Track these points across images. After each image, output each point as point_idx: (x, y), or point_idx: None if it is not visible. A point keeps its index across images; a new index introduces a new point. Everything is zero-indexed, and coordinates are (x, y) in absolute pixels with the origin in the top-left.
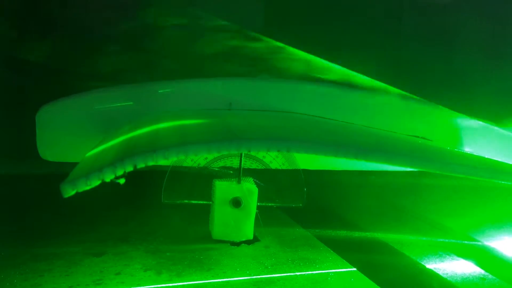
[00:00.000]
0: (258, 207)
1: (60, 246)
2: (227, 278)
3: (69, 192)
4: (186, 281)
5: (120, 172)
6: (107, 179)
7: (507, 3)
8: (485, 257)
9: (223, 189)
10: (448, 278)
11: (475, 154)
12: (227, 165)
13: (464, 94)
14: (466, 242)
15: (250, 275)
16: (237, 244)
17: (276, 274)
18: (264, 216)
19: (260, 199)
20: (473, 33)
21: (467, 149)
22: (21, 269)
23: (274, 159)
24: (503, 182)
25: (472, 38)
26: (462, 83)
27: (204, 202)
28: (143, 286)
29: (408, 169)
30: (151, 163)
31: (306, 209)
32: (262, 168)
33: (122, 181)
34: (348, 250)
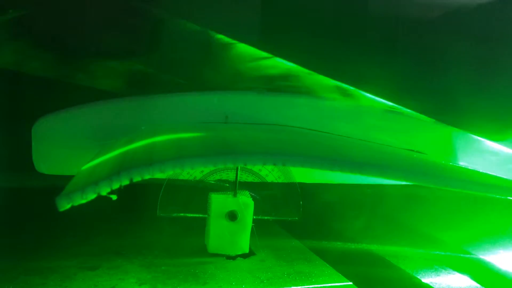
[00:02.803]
0: (254, 221)
1: (54, 260)
2: None
3: (64, 205)
4: None
5: (116, 186)
6: (103, 193)
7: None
8: (480, 271)
9: (219, 202)
10: None
11: (469, 168)
12: (223, 178)
13: (459, 109)
14: (461, 255)
15: None
16: (233, 257)
17: None
18: (260, 230)
19: (256, 212)
20: (469, 48)
21: (462, 163)
22: (14, 283)
23: (270, 173)
24: (497, 196)
25: (467, 53)
26: (456, 97)
27: (200, 215)
28: None
29: (403, 183)
30: (147, 177)
31: (302, 223)
32: (258, 181)
33: (114, 197)
34: (344, 264)
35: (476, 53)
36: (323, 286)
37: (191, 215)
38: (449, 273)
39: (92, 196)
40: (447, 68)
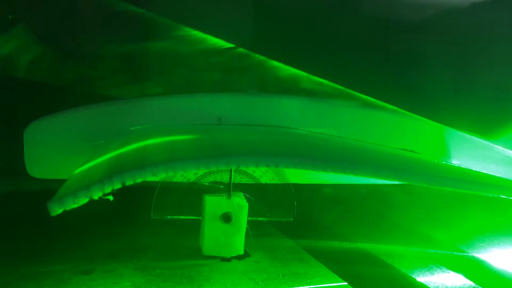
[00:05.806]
0: (249, 222)
1: (48, 265)
2: None
3: (56, 210)
4: None
5: (108, 190)
6: (95, 197)
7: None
8: (475, 269)
9: (213, 204)
10: None
11: (462, 166)
12: (217, 180)
13: (452, 108)
14: (455, 253)
15: None
16: (228, 259)
17: None
18: (254, 231)
19: (250, 213)
20: (460, 45)
21: (455, 162)
22: None
23: (264, 174)
24: (490, 194)
25: (458, 50)
26: (449, 96)
27: (194, 217)
28: None
29: (397, 182)
30: (139, 180)
31: (297, 223)
32: (252, 182)
33: (110, 198)
34: (339, 264)
35: (473, 53)
36: (318, 287)
37: (185, 217)
38: (444, 271)
39: (84, 201)
40: (442, 68)
